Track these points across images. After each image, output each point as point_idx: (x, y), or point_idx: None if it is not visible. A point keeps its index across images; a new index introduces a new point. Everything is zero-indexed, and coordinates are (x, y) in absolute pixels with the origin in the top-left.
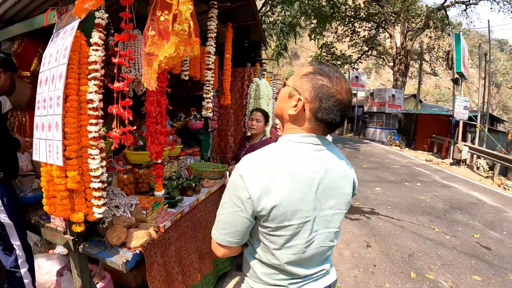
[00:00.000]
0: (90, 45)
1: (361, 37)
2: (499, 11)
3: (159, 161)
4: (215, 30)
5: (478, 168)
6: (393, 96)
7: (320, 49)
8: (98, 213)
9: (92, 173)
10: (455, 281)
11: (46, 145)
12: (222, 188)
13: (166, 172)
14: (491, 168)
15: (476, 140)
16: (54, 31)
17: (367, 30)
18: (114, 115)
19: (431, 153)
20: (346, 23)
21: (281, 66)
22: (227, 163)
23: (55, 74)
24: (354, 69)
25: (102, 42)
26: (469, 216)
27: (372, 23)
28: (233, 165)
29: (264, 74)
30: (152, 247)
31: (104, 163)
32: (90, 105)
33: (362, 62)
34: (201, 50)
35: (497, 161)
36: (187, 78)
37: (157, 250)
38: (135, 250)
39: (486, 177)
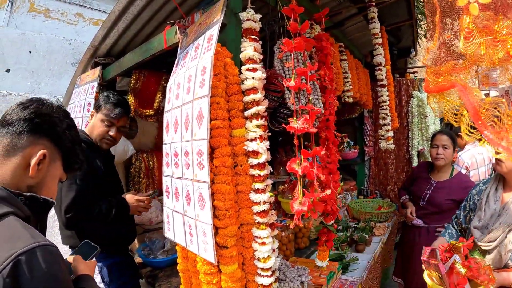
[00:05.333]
0: (238, 64)
1: None
2: None
3: (331, 222)
4: (380, 35)
5: None
6: None
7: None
8: None
9: (259, 264)
10: None
11: (184, 223)
12: (391, 235)
13: None
14: None
15: None
16: (178, 52)
17: None
18: (298, 177)
19: None
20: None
21: None
22: (388, 197)
23: (189, 114)
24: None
25: (261, 57)
26: None
27: None
28: (405, 200)
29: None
30: None
31: (276, 244)
32: (253, 160)
33: None
34: (358, 63)
35: None
36: (351, 100)
37: None
38: None
39: None
